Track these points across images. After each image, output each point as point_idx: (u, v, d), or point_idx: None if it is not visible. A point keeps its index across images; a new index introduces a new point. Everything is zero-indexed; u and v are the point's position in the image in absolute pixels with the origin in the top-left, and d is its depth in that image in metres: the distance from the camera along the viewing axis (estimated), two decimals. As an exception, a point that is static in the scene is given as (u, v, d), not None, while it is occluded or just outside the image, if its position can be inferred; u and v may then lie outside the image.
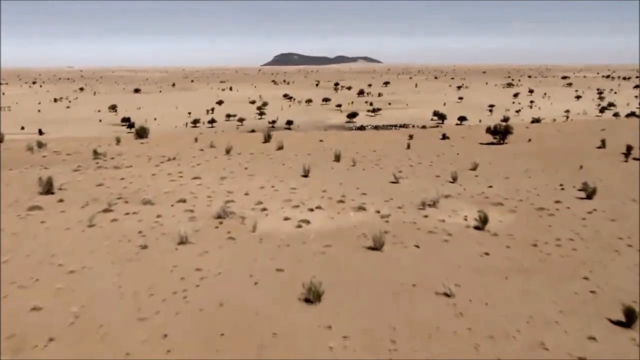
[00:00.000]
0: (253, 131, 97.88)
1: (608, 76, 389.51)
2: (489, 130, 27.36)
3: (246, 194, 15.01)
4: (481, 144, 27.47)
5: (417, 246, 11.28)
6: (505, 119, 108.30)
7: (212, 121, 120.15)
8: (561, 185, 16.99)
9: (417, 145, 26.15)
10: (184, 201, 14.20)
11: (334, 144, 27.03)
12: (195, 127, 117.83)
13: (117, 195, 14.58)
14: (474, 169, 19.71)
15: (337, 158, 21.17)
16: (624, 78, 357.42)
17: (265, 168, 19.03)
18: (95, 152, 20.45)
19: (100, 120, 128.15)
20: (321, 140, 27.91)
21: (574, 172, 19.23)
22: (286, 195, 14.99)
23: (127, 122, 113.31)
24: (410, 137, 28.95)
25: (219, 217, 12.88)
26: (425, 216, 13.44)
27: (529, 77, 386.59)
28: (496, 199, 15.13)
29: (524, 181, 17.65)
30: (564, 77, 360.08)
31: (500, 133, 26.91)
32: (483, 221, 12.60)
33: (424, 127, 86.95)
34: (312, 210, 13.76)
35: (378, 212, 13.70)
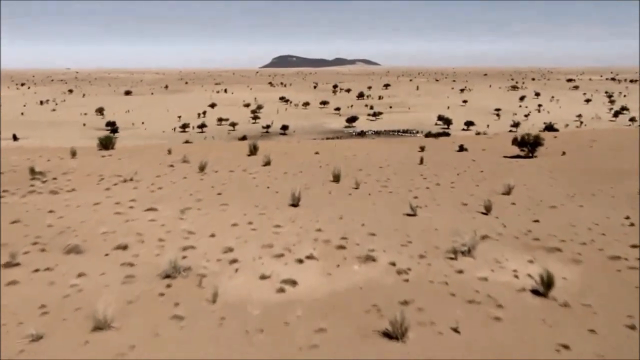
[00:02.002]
0: (244, 137, 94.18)
1: (613, 79, 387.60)
2: (515, 141, 23.81)
3: (212, 235, 11.36)
4: (506, 157, 23.92)
5: (456, 330, 7.66)
6: (516, 124, 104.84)
7: (202, 126, 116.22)
8: (627, 218, 13.38)
9: (431, 160, 22.55)
10: (124, 248, 10.54)
11: (332, 156, 23.44)
12: (184, 131, 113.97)
13: (34, 239, 10.91)
14: (508, 192, 16.10)
15: (336, 178, 17.56)
16: (631, 81, 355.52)
17: (244, 193, 15.38)
18: (32, 171, 16.76)
19: (84, 124, 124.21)
20: (317, 153, 24.31)
21: (634, 198, 15.63)
22: (267, 237, 11.34)
23: (111, 126, 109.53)
24: (422, 148, 25.37)
25: (167, 276, 9.24)
26: (460, 271, 9.82)
27: (533, 79, 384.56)
28: (550, 242, 11.51)
29: (577, 212, 14.04)
30: (569, 80, 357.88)
31: (529, 144, 23.36)
32: (546, 284, 8.98)
33: (433, 135, 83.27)
34: (301, 261, 10.13)
35: (393, 264, 10.08)
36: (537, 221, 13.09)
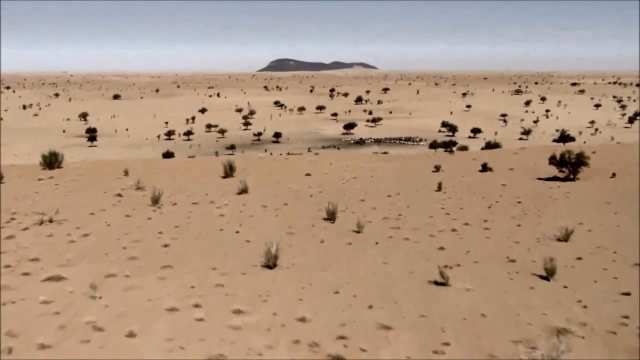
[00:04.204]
0: (233, 146, 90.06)
1: (616, 82, 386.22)
2: (553, 160, 19.87)
3: (130, 334, 7.28)
4: (540, 179, 20.02)
5: None
6: (526, 132, 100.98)
7: (189, 133, 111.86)
8: None
9: (451, 184, 18.61)
10: (-27, 366, 6.46)
11: (326, 179, 19.47)
12: (169, 139, 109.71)
13: None
14: (566, 238, 12.12)
15: (331, 215, 13.54)
16: (637, 85, 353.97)
17: (201, 243, 11.32)
18: None
19: (64, 131, 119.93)
20: (308, 174, 20.32)
21: None
22: (218, 338, 7.28)
23: (91, 133, 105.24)
24: (437, 168, 21.39)
25: None
26: (541, 416, 5.79)
27: (536, 83, 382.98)
28: (665, 339, 7.49)
29: (675, 273, 10.05)
30: (574, 84, 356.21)
31: (570, 164, 19.44)
32: None
33: (440, 144, 78.83)
34: (268, 394, 6.08)
35: (425, 398, 6.04)
36: (627, 294, 9.08)
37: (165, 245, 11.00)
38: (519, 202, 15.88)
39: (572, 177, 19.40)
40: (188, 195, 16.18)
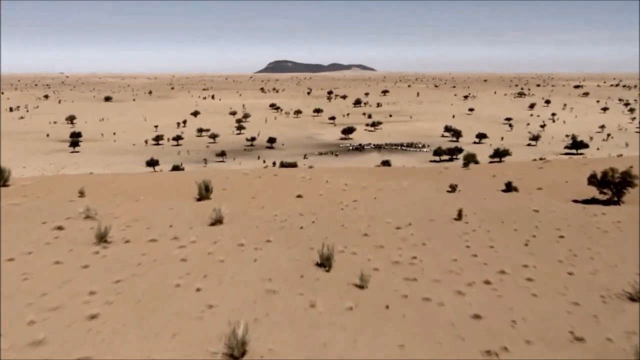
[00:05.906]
0: (223, 153, 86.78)
1: (618, 85, 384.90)
2: (593, 179, 17.01)
3: None
4: (577, 202, 17.14)
5: None
6: (535, 137, 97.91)
7: (179, 138, 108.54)
8: None
9: (472, 209, 15.69)
10: None
11: (321, 203, 16.54)
12: (157, 144, 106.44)
13: None
14: (638, 297, 9.21)
15: (326, 261, 10.59)
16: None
17: (143, 313, 8.32)
18: None
19: (48, 135, 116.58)
20: (299, 196, 17.38)
21: None
22: None
23: (75, 137, 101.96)
24: (453, 188, 18.47)
25: None
26: None
27: (538, 85, 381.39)
28: None
29: None
30: (577, 86, 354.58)
31: (613, 185, 16.57)
32: None
33: (445, 151, 75.68)
34: None
35: None
36: None
37: (93, 317, 8.00)
38: (562, 237, 12.97)
39: (616, 200, 16.52)
40: (148, 228, 13.21)
